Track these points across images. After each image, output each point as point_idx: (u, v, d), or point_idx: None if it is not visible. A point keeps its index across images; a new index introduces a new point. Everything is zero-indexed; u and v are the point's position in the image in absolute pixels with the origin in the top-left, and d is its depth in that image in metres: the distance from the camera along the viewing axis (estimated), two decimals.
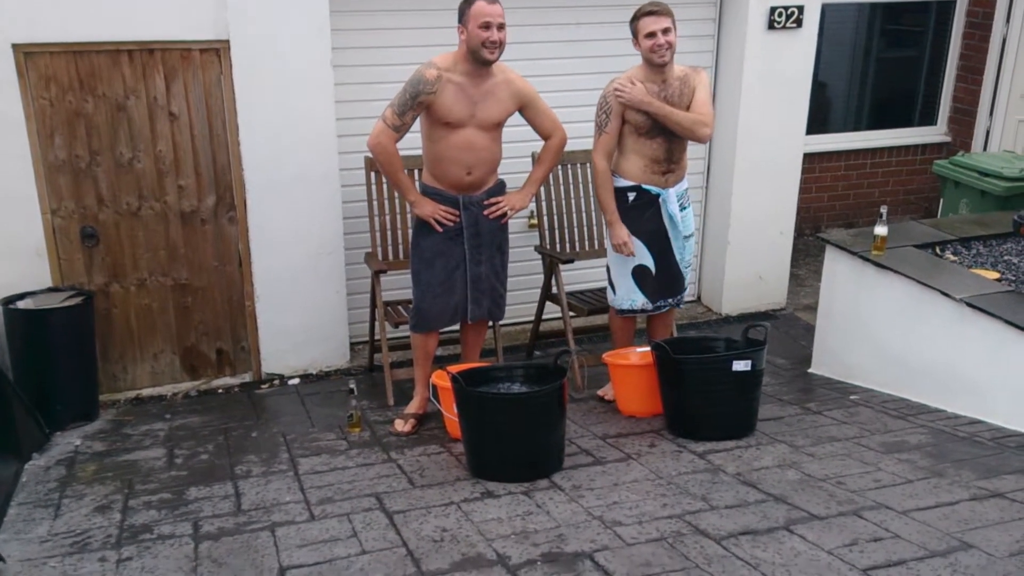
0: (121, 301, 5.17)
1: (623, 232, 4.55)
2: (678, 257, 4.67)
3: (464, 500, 3.76)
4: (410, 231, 5.22)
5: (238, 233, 5.23)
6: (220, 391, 5.35)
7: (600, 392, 4.91)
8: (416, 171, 4.81)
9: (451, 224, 4.40)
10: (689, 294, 6.45)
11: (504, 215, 4.52)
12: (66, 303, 4.80)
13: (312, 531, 3.56)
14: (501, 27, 4.15)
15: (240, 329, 5.41)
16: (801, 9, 5.85)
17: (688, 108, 4.47)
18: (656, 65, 4.37)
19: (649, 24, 4.31)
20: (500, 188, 4.56)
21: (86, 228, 5.00)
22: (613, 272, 4.73)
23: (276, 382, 5.42)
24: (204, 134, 5.07)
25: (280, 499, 3.88)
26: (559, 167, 5.45)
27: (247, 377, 5.47)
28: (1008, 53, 7.41)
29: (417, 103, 4.18)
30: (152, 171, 5.04)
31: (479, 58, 4.17)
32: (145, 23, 4.78)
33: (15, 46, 4.63)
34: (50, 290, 4.91)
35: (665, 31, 4.31)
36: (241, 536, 3.56)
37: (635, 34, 4.39)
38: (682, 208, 4.64)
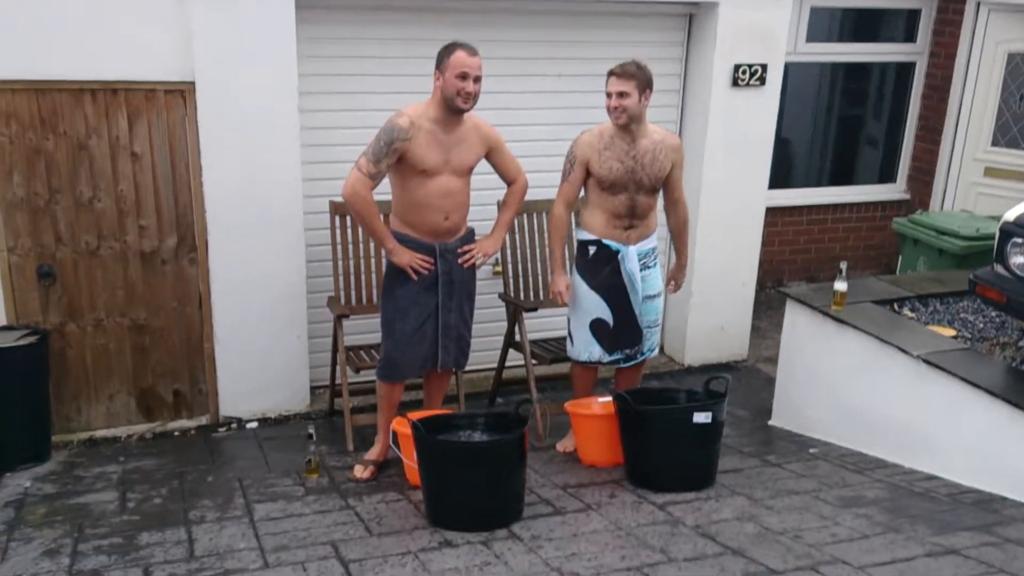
0: (77, 341, 5.09)
1: (561, 282, 4.58)
2: (637, 313, 4.63)
3: (421, 549, 3.71)
4: (373, 276, 5.23)
5: (199, 274, 5.19)
6: (176, 434, 5.26)
7: (559, 447, 4.88)
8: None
9: (426, 273, 4.39)
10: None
11: (475, 263, 4.52)
12: (20, 342, 4.72)
13: None
14: (478, 79, 4.19)
15: (198, 371, 5.34)
16: (764, 68, 5.99)
17: (666, 181, 4.56)
18: (614, 124, 4.42)
19: (609, 84, 4.35)
20: (471, 235, 4.57)
21: (43, 267, 4.93)
22: (571, 323, 4.73)
23: (234, 425, 5.34)
24: (167, 174, 5.05)
25: (234, 546, 3.79)
26: (524, 216, 5.48)
27: (204, 420, 5.39)
28: (963, 116, 7.61)
29: (392, 150, 4.17)
30: (113, 211, 5.00)
31: (452, 106, 4.20)
32: (110, 63, 4.77)
33: None
34: (3, 328, 4.82)
35: (620, 95, 4.31)
36: None
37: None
38: (645, 267, 4.60)
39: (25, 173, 4.80)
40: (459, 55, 4.16)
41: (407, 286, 4.38)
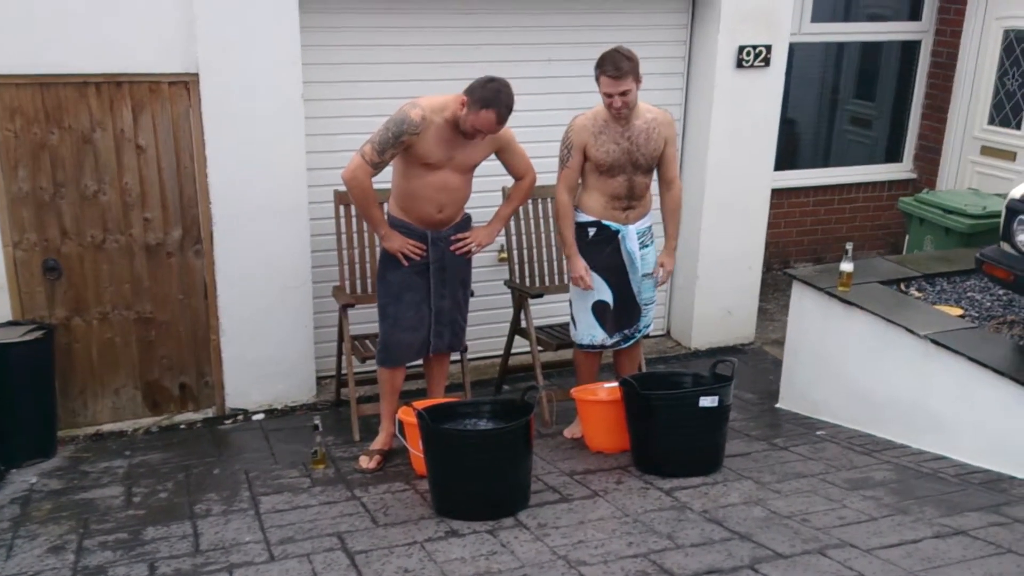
0: (83, 335, 5.09)
1: (580, 265, 4.56)
2: (636, 292, 4.66)
3: (428, 539, 3.71)
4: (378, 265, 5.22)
5: (204, 266, 5.19)
6: (182, 427, 5.27)
7: (566, 433, 4.87)
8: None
9: (418, 259, 4.39)
10: (659, 328, 6.47)
11: (470, 251, 4.52)
12: (26, 337, 4.72)
13: (271, 572, 3.49)
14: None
15: (204, 363, 5.35)
16: (769, 48, 5.93)
17: (659, 159, 4.51)
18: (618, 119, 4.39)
19: (606, 85, 4.28)
20: (466, 223, 4.56)
21: (48, 261, 4.93)
22: (574, 307, 4.74)
23: (240, 417, 5.34)
24: (171, 167, 5.04)
25: (240, 539, 3.80)
26: (529, 202, 5.46)
27: (210, 412, 5.39)
28: (969, 94, 7.53)
29: (399, 142, 4.16)
30: (118, 203, 4.99)
31: (461, 131, 4.20)
32: (113, 55, 4.76)
33: None
34: (10, 323, 4.83)
35: (623, 93, 4.27)
36: None
37: (597, 81, 4.35)
38: (643, 246, 4.63)
39: (30, 167, 4.80)
40: (487, 115, 4.09)
41: (399, 271, 4.41)
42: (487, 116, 4.09)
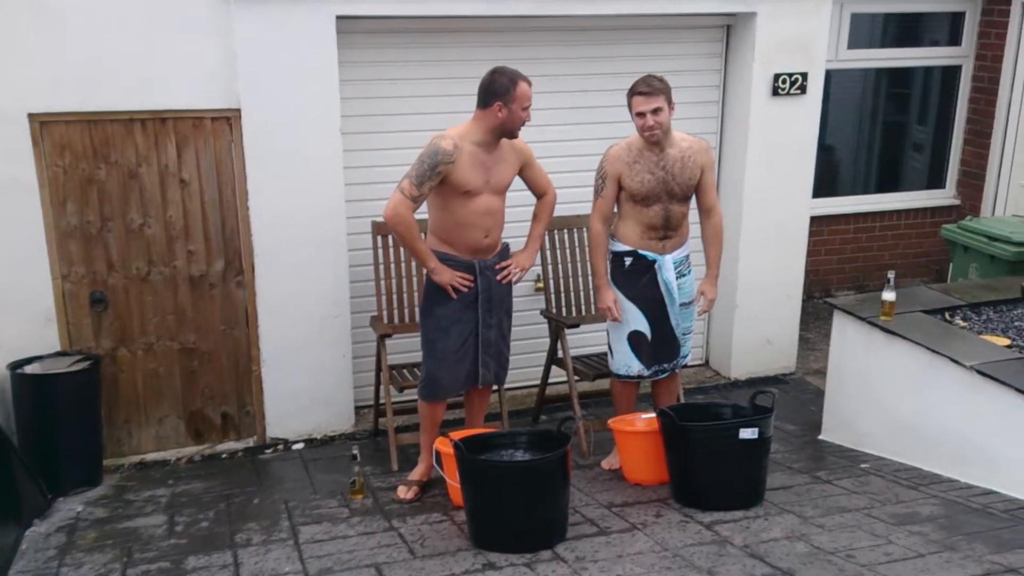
0: (128, 365, 5.18)
1: (609, 297, 4.56)
2: (674, 324, 4.63)
3: (465, 572, 3.70)
4: (415, 295, 5.26)
5: (246, 297, 5.26)
6: (224, 456, 5.32)
7: (604, 464, 4.84)
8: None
9: (467, 290, 4.41)
10: (697, 358, 6.43)
11: (513, 278, 4.54)
12: (73, 368, 4.82)
13: None
14: None
15: (246, 393, 5.41)
16: (805, 76, 5.91)
17: (697, 187, 4.51)
18: (648, 142, 4.40)
19: (638, 104, 4.32)
20: (506, 251, 4.59)
21: (95, 293, 5.04)
22: (611, 337, 4.73)
23: (280, 447, 5.39)
24: (214, 200, 5.13)
25: (279, 569, 3.82)
26: (564, 231, 5.47)
27: (251, 441, 5.45)
28: (1012, 118, 7.44)
29: (436, 173, 4.21)
30: (162, 236, 5.09)
31: (509, 134, 4.28)
32: (158, 93, 4.88)
33: (31, 116, 4.74)
34: (58, 354, 4.93)
35: (655, 111, 4.29)
36: None
37: (629, 108, 4.41)
38: (680, 275, 4.61)
39: (78, 202, 4.92)
40: (524, 88, 4.22)
41: (447, 305, 4.40)
42: (524, 88, 4.21)
